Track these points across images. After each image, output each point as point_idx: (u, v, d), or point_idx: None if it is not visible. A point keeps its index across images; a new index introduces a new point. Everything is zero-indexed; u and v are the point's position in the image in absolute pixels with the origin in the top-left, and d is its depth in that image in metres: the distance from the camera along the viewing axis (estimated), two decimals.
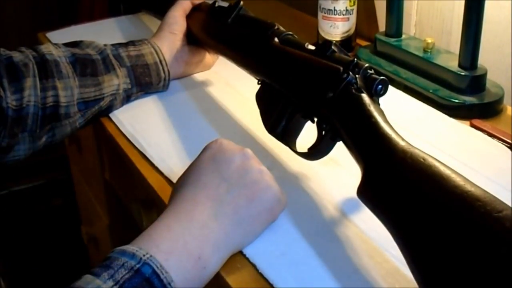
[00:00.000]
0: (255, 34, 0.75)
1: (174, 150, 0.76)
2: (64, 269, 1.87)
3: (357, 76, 0.60)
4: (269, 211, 0.58)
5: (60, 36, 1.13)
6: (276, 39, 0.72)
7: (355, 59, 0.61)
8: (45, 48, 0.81)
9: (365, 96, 0.58)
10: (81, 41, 0.87)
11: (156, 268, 0.49)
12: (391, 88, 0.89)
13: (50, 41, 1.12)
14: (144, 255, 0.50)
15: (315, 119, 0.66)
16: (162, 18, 0.95)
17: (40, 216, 2.13)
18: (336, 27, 1.01)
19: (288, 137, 0.68)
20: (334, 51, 0.65)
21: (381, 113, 0.57)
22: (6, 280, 1.86)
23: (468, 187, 0.46)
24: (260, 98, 0.72)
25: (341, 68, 0.61)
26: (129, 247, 0.51)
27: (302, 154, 0.67)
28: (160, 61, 0.88)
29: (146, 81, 0.87)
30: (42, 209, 2.15)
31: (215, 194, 0.57)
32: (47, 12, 2.16)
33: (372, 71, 0.61)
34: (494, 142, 0.74)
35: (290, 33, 0.73)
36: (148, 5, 1.13)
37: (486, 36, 0.82)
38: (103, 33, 1.14)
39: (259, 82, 0.74)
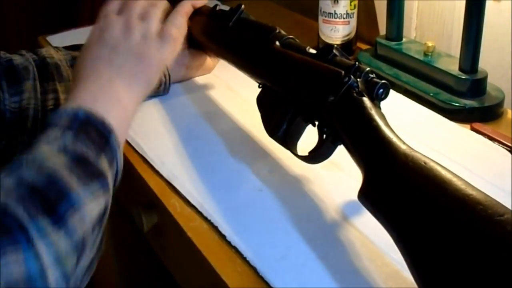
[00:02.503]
0: (256, 38, 0.75)
1: (175, 153, 0.76)
2: None
3: (358, 80, 0.60)
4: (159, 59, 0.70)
5: (61, 39, 1.13)
6: (277, 43, 0.72)
7: (357, 63, 0.61)
8: (46, 51, 0.81)
9: (366, 100, 0.59)
10: (81, 45, 0.86)
11: (89, 110, 0.56)
12: (391, 92, 0.89)
13: (50, 45, 1.12)
14: (73, 108, 0.56)
15: (316, 123, 0.66)
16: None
17: None
18: (336, 31, 1.01)
19: (289, 141, 0.68)
20: (335, 55, 0.65)
21: (382, 117, 0.57)
22: None
23: (470, 191, 0.46)
24: (261, 101, 0.72)
25: (343, 72, 0.61)
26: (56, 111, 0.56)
27: (303, 158, 0.67)
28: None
29: None
30: None
31: (108, 62, 0.66)
32: (48, 15, 2.16)
33: (374, 75, 0.61)
34: (495, 145, 0.74)
35: (291, 36, 0.73)
36: None
37: (486, 40, 0.82)
38: None
39: (260, 86, 0.74)
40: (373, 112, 0.57)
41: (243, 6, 0.82)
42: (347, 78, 0.60)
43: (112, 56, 0.66)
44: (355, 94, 0.59)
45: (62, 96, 0.79)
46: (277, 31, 0.75)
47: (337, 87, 0.60)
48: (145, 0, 0.73)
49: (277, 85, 0.70)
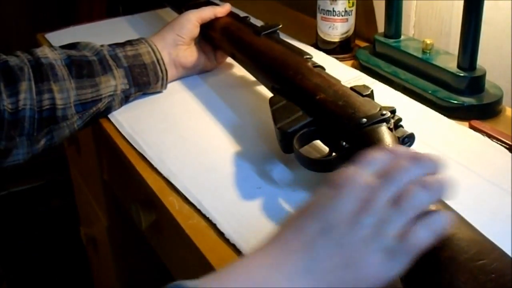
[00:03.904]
0: (293, 52, 0.78)
1: (173, 151, 0.76)
2: (64, 270, 1.87)
3: (392, 119, 0.63)
4: (372, 277, 0.44)
5: (59, 37, 1.13)
6: (309, 64, 0.75)
7: (395, 108, 0.64)
8: (41, 51, 0.81)
9: (393, 135, 0.61)
10: (78, 43, 0.87)
11: None
12: (389, 89, 0.89)
13: (49, 42, 1.12)
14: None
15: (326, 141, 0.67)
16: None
17: (39, 217, 2.13)
18: (335, 28, 1.01)
19: (297, 140, 0.68)
20: (369, 95, 0.68)
21: None
22: (6, 281, 1.86)
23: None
24: (274, 103, 0.73)
25: (381, 107, 0.64)
26: (189, 282, 0.43)
27: (308, 160, 0.66)
28: (158, 60, 0.88)
29: (144, 81, 0.87)
30: (41, 210, 2.15)
31: (310, 243, 0.44)
32: (46, 13, 2.16)
33: (403, 125, 0.64)
34: (493, 143, 0.74)
35: (322, 66, 0.76)
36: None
37: (485, 37, 0.82)
38: (102, 34, 1.13)
39: (274, 89, 0.76)
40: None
41: (280, 25, 0.86)
42: (385, 112, 0.63)
43: (317, 241, 0.44)
44: (386, 127, 0.62)
45: (57, 96, 0.79)
46: (310, 56, 0.77)
47: (373, 115, 0.63)
48: (419, 164, 0.47)
49: (302, 96, 0.70)
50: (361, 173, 0.47)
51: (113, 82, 0.84)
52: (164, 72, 0.89)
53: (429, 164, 0.48)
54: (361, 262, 0.43)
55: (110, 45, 0.88)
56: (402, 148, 0.51)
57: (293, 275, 0.43)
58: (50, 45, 1.05)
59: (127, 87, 0.86)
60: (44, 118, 0.78)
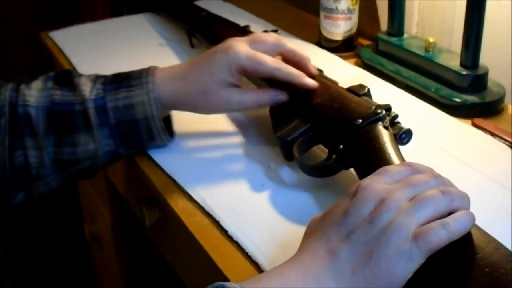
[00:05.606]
0: None
1: (177, 148, 0.76)
2: (67, 267, 1.87)
3: (387, 117, 0.63)
4: (389, 272, 0.45)
5: (63, 35, 1.13)
6: None
7: (390, 105, 0.64)
8: (22, 95, 0.71)
9: (391, 134, 0.61)
10: (74, 77, 0.74)
11: None
12: (392, 87, 0.89)
13: (53, 40, 1.12)
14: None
15: (327, 144, 0.67)
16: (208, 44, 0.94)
17: (43, 214, 2.13)
18: (338, 26, 1.01)
19: (296, 148, 0.68)
20: (365, 94, 0.68)
21: (400, 155, 0.59)
22: (10, 279, 1.86)
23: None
24: (275, 111, 0.73)
25: (375, 106, 0.64)
26: (231, 284, 0.45)
27: (306, 166, 0.67)
28: (152, 117, 0.72)
29: (135, 139, 0.73)
30: (45, 207, 2.16)
31: (334, 249, 0.47)
32: (50, 11, 2.16)
33: (400, 122, 0.64)
34: (495, 141, 0.74)
35: (321, 69, 0.76)
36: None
37: (487, 36, 0.82)
38: (105, 33, 1.14)
39: None
40: (394, 146, 0.59)
41: (278, 31, 0.86)
42: (379, 111, 0.63)
43: (341, 246, 0.47)
44: (382, 126, 0.62)
45: (31, 153, 0.70)
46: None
47: (368, 115, 0.63)
48: (439, 179, 0.51)
49: (300, 101, 0.71)
50: (379, 180, 0.50)
51: (92, 146, 0.71)
52: (160, 130, 0.73)
53: (447, 181, 0.51)
54: (379, 253, 0.45)
55: (105, 84, 0.73)
56: (422, 165, 0.53)
57: (321, 277, 0.46)
58: (55, 44, 1.05)
59: (114, 148, 0.72)
60: (17, 175, 0.70)
